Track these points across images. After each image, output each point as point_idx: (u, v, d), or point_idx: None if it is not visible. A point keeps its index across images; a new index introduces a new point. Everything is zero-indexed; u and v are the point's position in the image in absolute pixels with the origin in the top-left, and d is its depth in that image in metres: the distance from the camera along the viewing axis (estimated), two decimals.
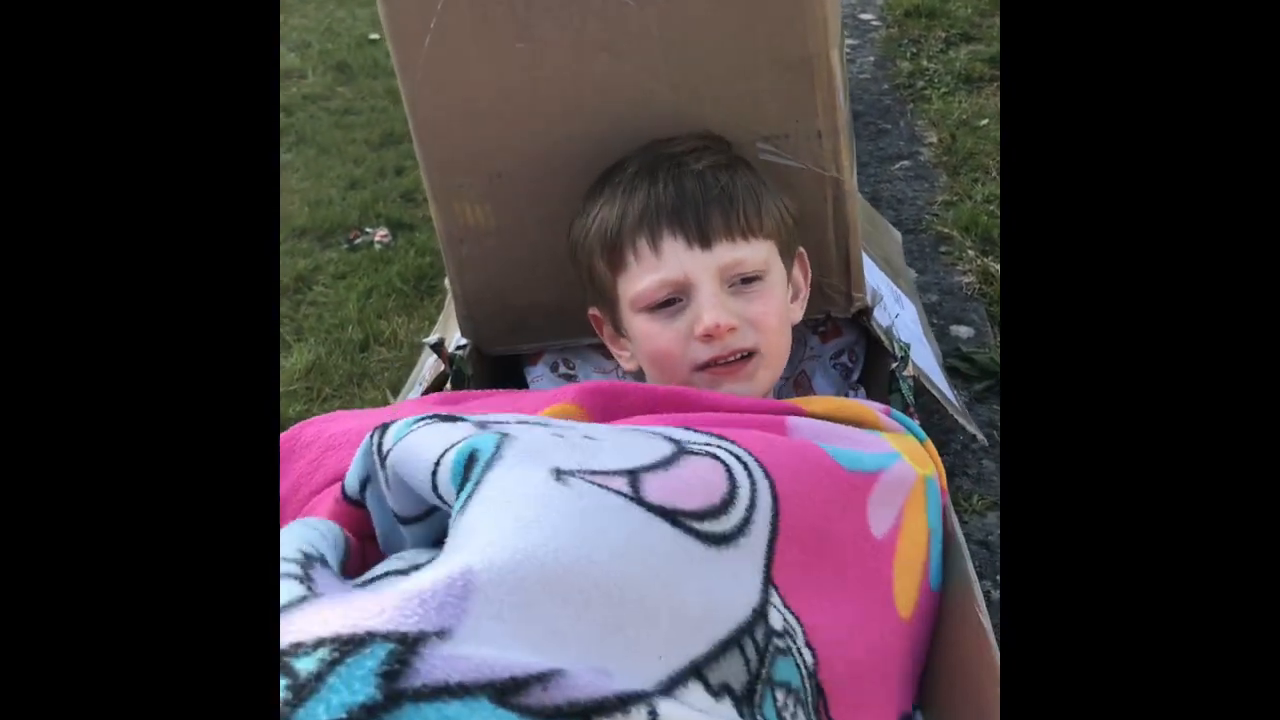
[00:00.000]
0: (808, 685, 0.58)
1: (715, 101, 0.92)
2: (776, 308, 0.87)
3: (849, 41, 2.72)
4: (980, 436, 1.07)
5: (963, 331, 1.54)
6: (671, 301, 0.85)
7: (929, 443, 0.83)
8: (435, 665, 0.40)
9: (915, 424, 0.84)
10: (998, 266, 1.63)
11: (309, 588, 0.48)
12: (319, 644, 0.40)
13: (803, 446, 0.68)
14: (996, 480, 1.24)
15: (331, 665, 0.40)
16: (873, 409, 0.83)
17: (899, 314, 1.09)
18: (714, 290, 0.83)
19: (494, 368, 1.08)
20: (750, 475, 0.61)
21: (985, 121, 2.16)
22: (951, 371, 1.44)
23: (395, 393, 1.43)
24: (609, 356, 1.05)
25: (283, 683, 0.39)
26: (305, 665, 0.40)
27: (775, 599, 0.58)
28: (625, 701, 0.44)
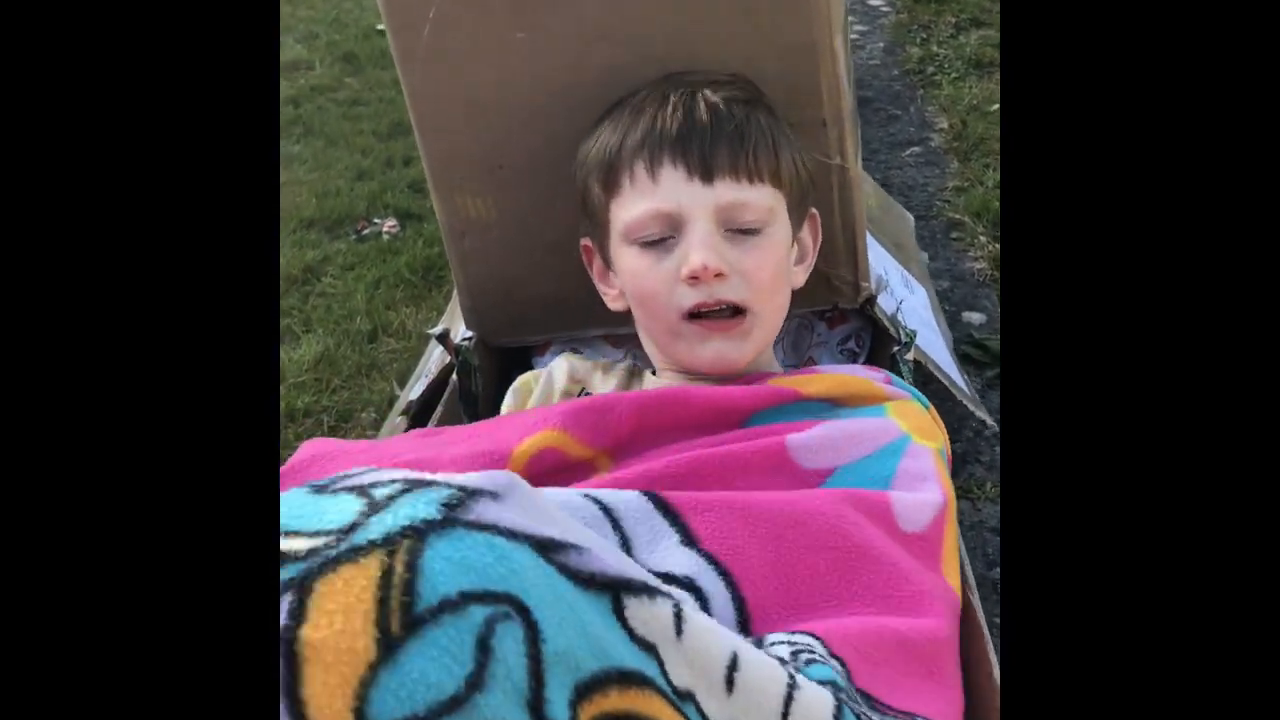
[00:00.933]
0: (853, 688, 0.58)
1: None
2: (773, 264, 0.82)
3: (858, 27, 2.70)
4: (990, 422, 1.06)
5: (975, 318, 1.53)
6: (664, 240, 0.81)
7: (933, 409, 0.82)
8: (488, 509, 0.44)
9: (917, 390, 0.83)
10: None
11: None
12: (394, 481, 0.45)
13: (795, 503, 0.69)
14: None
15: (403, 492, 0.44)
16: (873, 380, 0.82)
17: (905, 299, 1.08)
18: (708, 230, 0.79)
19: (501, 357, 1.07)
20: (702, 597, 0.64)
21: (996, 107, 2.14)
22: (963, 358, 1.43)
23: (402, 384, 1.42)
24: (617, 345, 1.04)
25: (359, 504, 0.44)
26: (381, 491, 0.45)
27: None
28: (651, 589, 0.48)
